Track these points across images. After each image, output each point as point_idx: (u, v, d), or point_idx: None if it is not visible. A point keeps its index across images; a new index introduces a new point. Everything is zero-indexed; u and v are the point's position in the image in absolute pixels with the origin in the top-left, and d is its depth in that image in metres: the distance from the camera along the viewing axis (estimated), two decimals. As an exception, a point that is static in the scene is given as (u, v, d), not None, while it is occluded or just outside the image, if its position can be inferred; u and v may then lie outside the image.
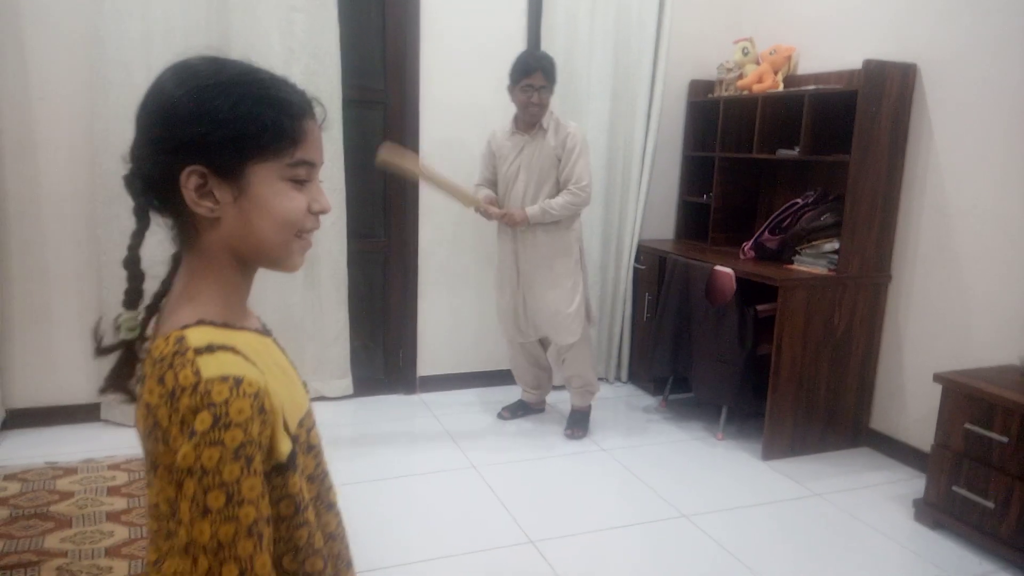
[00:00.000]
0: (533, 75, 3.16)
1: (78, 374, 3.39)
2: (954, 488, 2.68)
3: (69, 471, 2.89)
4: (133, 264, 0.86)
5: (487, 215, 3.35)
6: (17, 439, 3.24)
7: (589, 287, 3.69)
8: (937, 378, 2.76)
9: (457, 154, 3.73)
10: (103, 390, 0.89)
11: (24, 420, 3.33)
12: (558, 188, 3.31)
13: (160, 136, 0.80)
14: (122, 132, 3.16)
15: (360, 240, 3.83)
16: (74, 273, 3.33)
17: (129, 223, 0.84)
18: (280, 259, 0.87)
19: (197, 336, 0.78)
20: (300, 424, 0.87)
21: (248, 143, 0.80)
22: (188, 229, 0.85)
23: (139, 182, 0.83)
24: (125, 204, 3.24)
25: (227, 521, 0.72)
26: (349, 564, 1.00)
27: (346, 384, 3.86)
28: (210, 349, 0.77)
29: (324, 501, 0.94)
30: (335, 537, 0.96)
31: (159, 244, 0.90)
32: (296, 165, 0.84)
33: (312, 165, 0.86)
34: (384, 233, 3.93)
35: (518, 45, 3.86)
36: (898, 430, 3.39)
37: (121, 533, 2.47)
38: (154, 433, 0.76)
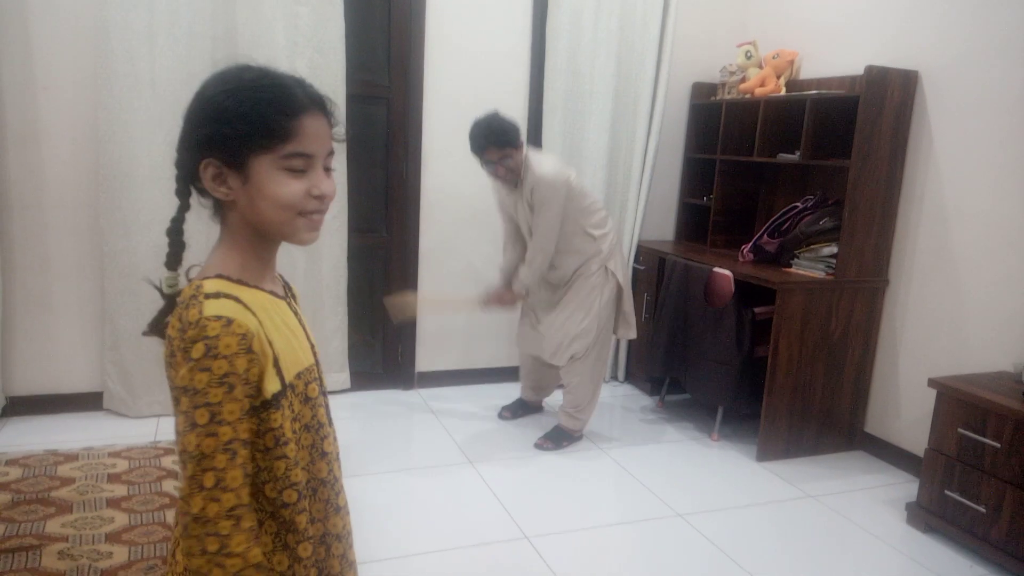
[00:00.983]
0: (487, 152, 3.09)
1: (79, 362, 3.41)
2: (947, 492, 2.71)
3: (70, 457, 2.91)
4: (176, 234, 1.05)
5: (498, 305, 3.45)
6: (18, 426, 3.26)
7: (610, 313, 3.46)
8: (932, 383, 2.78)
9: (459, 151, 3.75)
10: (146, 332, 1.08)
11: (25, 407, 3.35)
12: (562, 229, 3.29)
13: (186, 134, 0.99)
14: (125, 122, 3.18)
15: (361, 235, 3.85)
16: (76, 262, 3.35)
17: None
18: (287, 235, 1.02)
19: (211, 285, 0.95)
20: (298, 376, 1.03)
21: (248, 139, 0.95)
22: (218, 208, 1.02)
23: (179, 171, 1.01)
24: (126, 195, 3.26)
25: (208, 436, 0.89)
26: (352, 565, 1.13)
27: (344, 378, 3.88)
28: (217, 295, 0.94)
29: (317, 449, 1.07)
30: (327, 484, 1.09)
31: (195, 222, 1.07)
32: (289, 157, 0.97)
33: (307, 156, 0.98)
34: (385, 229, 3.95)
35: (523, 42, 3.88)
36: (892, 434, 3.42)
37: (121, 519, 2.49)
38: (171, 361, 0.95)
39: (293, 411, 1.01)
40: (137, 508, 2.57)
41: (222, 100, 0.95)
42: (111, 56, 3.15)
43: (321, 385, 1.10)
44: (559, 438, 3.45)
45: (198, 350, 0.90)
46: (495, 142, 3.07)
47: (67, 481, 2.72)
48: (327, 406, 1.12)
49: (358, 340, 3.95)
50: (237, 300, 0.94)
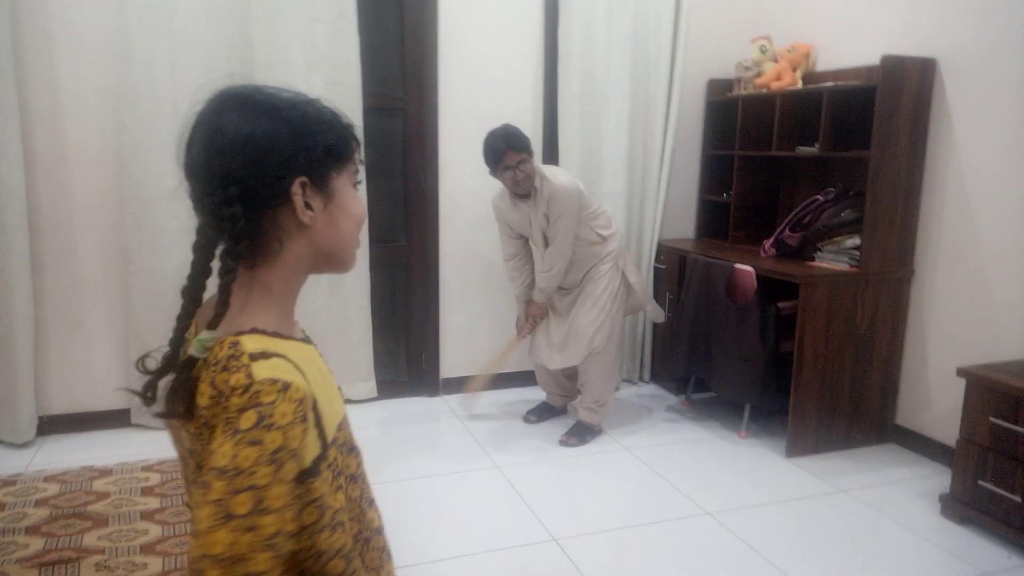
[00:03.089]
0: (506, 157, 3.14)
1: (109, 380, 3.48)
2: (980, 482, 2.66)
3: (104, 473, 2.98)
4: (197, 291, 0.90)
5: (533, 324, 3.54)
6: (55, 444, 3.33)
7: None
8: (961, 372, 2.74)
9: (475, 158, 3.77)
10: (163, 414, 0.85)
11: (60, 426, 3.43)
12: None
13: (266, 159, 0.85)
14: (149, 145, 3.25)
15: (382, 245, 3.89)
16: (104, 282, 3.43)
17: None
18: (350, 257, 0.96)
19: (251, 343, 0.82)
20: (339, 428, 0.90)
21: (333, 155, 0.90)
22: (273, 243, 0.89)
23: (238, 207, 0.85)
24: (152, 216, 3.34)
25: (248, 531, 0.73)
26: (390, 555, 1.05)
27: (370, 387, 3.91)
28: (264, 355, 0.81)
29: (366, 498, 0.98)
30: (380, 531, 1.00)
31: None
32: (356, 172, 0.95)
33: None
34: (405, 238, 3.98)
35: (535, 51, 3.90)
36: (923, 425, 3.37)
37: (155, 531, 2.54)
38: (203, 434, 0.80)
39: (335, 468, 0.87)
40: (170, 520, 2.62)
41: (298, 117, 0.88)
42: (133, 81, 3.23)
43: None
44: (583, 433, 3.50)
45: (248, 419, 0.75)
46: (513, 146, 3.15)
47: (102, 496, 2.78)
48: None
49: (382, 349, 3.98)
50: (286, 359, 0.82)
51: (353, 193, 0.94)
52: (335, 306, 3.74)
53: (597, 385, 3.47)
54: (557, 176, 3.28)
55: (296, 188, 0.87)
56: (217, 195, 0.84)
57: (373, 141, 3.72)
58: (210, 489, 0.73)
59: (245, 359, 0.79)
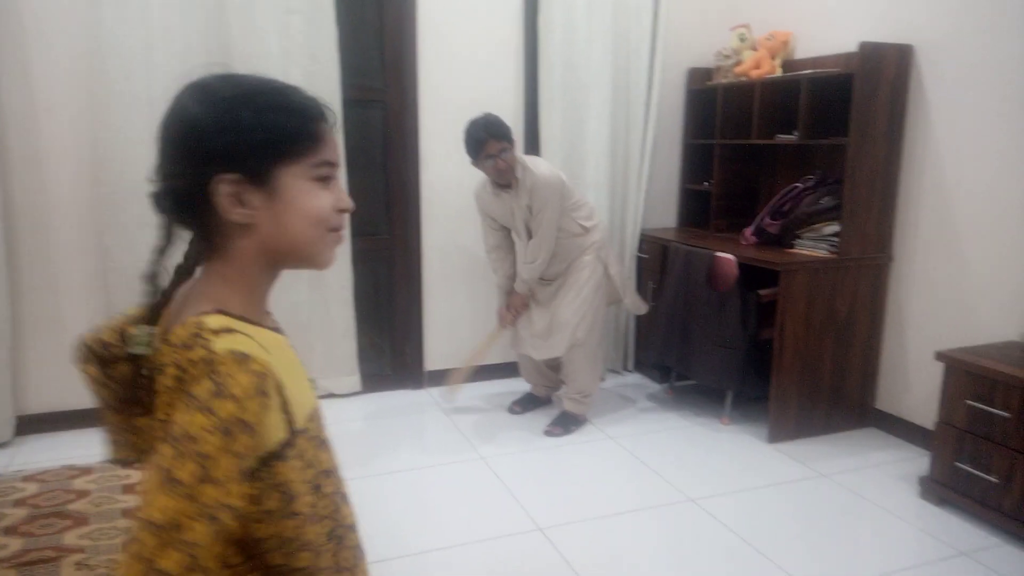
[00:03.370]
0: (487, 145, 3.13)
1: (91, 378, 3.45)
2: (958, 464, 2.70)
3: (85, 471, 2.95)
4: (155, 279, 0.88)
5: (515, 315, 3.53)
6: (34, 444, 3.30)
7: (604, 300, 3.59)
8: (939, 356, 2.77)
9: (456, 149, 3.76)
10: (116, 411, 0.89)
11: (40, 425, 3.40)
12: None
13: (188, 151, 0.84)
14: (125, 141, 3.21)
15: (364, 238, 3.87)
16: (82, 281, 3.39)
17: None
18: (313, 255, 0.91)
19: (214, 321, 0.81)
20: (311, 419, 0.88)
21: (275, 148, 0.85)
22: (216, 238, 0.87)
23: (169, 199, 0.86)
24: (130, 213, 3.29)
25: (187, 498, 0.70)
26: (364, 553, 1.01)
27: (354, 381, 3.91)
28: (227, 331, 0.80)
29: (339, 493, 0.95)
30: (354, 528, 0.98)
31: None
32: (320, 165, 0.88)
33: (332, 164, 0.90)
34: (387, 231, 3.97)
35: (515, 38, 3.89)
36: (903, 409, 3.41)
37: (137, 530, 2.52)
38: (169, 416, 0.79)
39: (305, 459, 0.85)
40: (153, 517, 2.60)
41: (235, 107, 0.84)
42: (108, 76, 3.19)
43: None
44: (567, 423, 3.52)
45: (203, 388, 0.74)
46: (494, 134, 3.14)
47: (83, 494, 2.76)
48: None
49: (366, 343, 3.97)
50: (249, 337, 0.81)
51: (309, 188, 0.88)
52: (317, 300, 3.73)
53: (581, 376, 3.48)
54: (539, 167, 3.27)
55: (215, 185, 0.83)
56: (158, 181, 0.84)
57: (353, 133, 3.70)
58: (158, 455, 0.73)
59: (207, 334, 0.79)
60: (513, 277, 3.54)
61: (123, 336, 0.88)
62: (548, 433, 3.46)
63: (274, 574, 0.84)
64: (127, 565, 0.70)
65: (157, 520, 0.70)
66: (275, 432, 0.79)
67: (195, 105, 0.85)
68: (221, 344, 0.77)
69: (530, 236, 3.34)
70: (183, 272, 0.90)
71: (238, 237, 0.87)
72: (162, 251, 0.87)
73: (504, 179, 3.25)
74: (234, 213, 0.84)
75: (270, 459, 0.79)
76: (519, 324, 3.58)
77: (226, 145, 0.83)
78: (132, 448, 1.01)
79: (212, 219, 0.86)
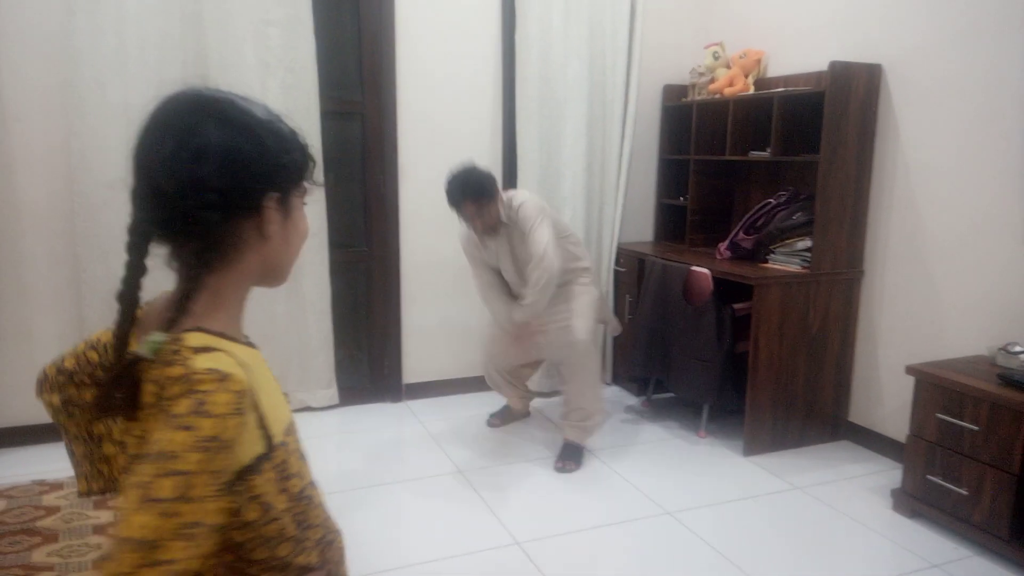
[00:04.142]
0: (464, 207, 3.05)
1: (62, 391, 3.39)
2: (929, 477, 2.74)
3: (55, 487, 2.89)
4: (129, 299, 0.87)
5: (524, 343, 3.34)
6: (3, 458, 3.23)
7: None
8: (909, 370, 2.82)
9: (434, 161, 3.78)
10: (97, 417, 0.92)
11: (9, 439, 3.33)
12: None
13: (240, 171, 0.85)
14: (98, 150, 3.18)
15: (342, 250, 3.86)
16: (54, 291, 3.34)
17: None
18: (288, 272, 0.97)
19: (194, 339, 0.83)
20: (287, 432, 0.89)
21: (297, 174, 0.92)
22: (225, 252, 0.88)
23: (195, 221, 0.84)
24: (103, 221, 3.23)
25: (167, 516, 0.71)
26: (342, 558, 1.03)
27: (332, 394, 3.88)
28: (206, 349, 0.82)
29: (314, 502, 0.97)
30: (339, 533, 1.01)
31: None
32: (305, 188, 0.96)
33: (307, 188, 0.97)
34: (365, 243, 3.96)
35: (493, 56, 3.92)
36: (875, 422, 3.46)
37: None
38: (146, 433, 0.81)
39: (284, 472, 0.87)
40: (125, 534, 2.56)
41: (272, 132, 0.88)
42: (81, 84, 3.16)
43: None
44: (575, 454, 3.32)
45: (183, 406, 0.75)
46: (471, 196, 3.04)
47: (52, 510, 2.71)
48: None
49: (344, 355, 3.95)
50: (228, 354, 0.83)
51: (302, 210, 0.96)
52: (295, 312, 3.70)
53: (580, 399, 3.32)
54: (518, 196, 3.20)
55: (268, 203, 0.88)
56: (191, 199, 0.82)
57: (331, 145, 3.69)
58: (137, 473, 0.73)
59: (185, 352, 0.80)
60: (507, 310, 3.36)
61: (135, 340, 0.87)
62: (559, 469, 3.24)
63: (256, 566, 0.86)
64: None
65: (135, 538, 0.70)
66: (251, 447, 0.82)
67: (240, 131, 0.86)
68: (201, 363, 0.79)
69: (527, 264, 3.19)
70: (194, 283, 0.88)
71: (251, 251, 0.90)
72: (138, 270, 0.86)
73: (490, 231, 3.19)
74: (269, 229, 0.89)
75: (245, 473, 0.81)
76: (500, 342, 3.49)
77: (278, 168, 0.88)
78: (101, 477, 1.03)
79: (236, 235, 0.88)
